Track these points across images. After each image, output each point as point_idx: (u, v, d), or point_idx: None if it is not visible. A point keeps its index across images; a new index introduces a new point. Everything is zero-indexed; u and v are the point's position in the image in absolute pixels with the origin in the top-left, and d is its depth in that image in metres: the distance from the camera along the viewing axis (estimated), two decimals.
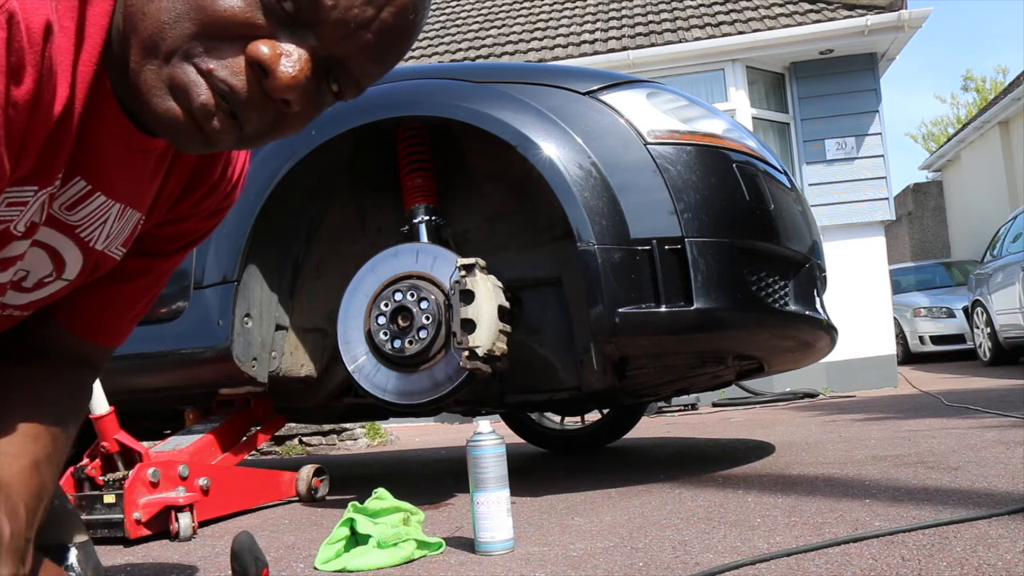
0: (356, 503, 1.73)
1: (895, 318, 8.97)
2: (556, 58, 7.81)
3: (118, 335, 1.07)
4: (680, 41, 7.45)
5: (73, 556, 1.04)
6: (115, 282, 1.01)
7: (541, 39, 8.47)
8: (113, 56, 0.78)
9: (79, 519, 1.13)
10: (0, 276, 0.86)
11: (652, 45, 7.50)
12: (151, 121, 0.78)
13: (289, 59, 0.74)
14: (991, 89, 22.79)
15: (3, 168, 0.71)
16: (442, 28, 9.51)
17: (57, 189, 0.82)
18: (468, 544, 1.72)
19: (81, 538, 1.07)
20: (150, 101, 0.75)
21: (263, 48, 0.73)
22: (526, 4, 9.71)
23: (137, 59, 0.74)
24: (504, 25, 9.22)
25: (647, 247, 2.13)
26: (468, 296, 2.14)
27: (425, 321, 2.25)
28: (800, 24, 7.29)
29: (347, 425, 5.19)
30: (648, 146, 2.19)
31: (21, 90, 0.68)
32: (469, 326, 2.13)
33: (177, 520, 2.06)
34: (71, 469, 2.19)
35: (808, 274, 2.51)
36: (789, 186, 2.53)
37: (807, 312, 2.45)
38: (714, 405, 6.13)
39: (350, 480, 3.21)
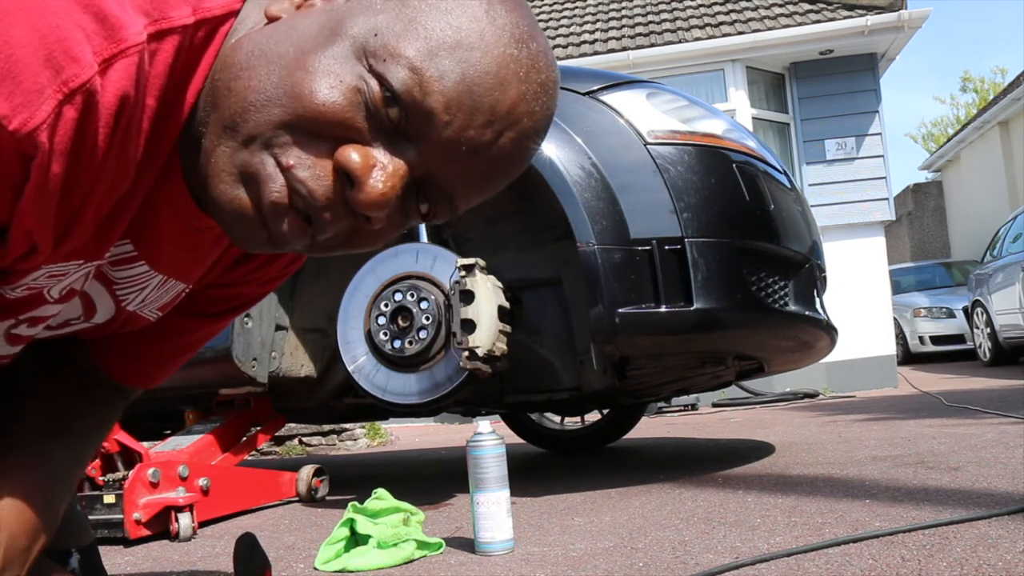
0: (356, 503, 1.73)
1: (895, 318, 8.96)
2: (556, 58, 7.80)
3: (155, 380, 1.03)
4: (680, 41, 7.45)
5: (75, 561, 1.04)
6: (157, 337, 0.96)
7: None
8: (190, 130, 0.70)
9: (85, 521, 1.12)
10: (28, 330, 0.81)
11: (652, 45, 7.50)
12: (212, 206, 0.69)
13: (383, 172, 0.65)
14: (989, 90, 22.78)
15: (46, 248, 0.66)
16: None
17: (105, 262, 0.77)
18: (468, 544, 1.73)
19: (85, 541, 1.07)
20: (216, 186, 0.67)
21: (354, 156, 0.64)
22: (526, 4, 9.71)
23: (213, 138, 0.67)
24: None
25: (647, 247, 2.13)
26: (468, 296, 2.14)
27: (425, 321, 2.25)
28: (800, 24, 7.29)
29: (347, 425, 5.19)
30: (648, 146, 2.19)
31: (79, 174, 0.61)
32: (469, 326, 2.13)
33: (177, 520, 2.06)
34: None
35: (808, 274, 2.51)
36: (789, 186, 2.53)
37: (807, 312, 2.45)
38: (714, 405, 6.12)
39: (350, 480, 3.21)
